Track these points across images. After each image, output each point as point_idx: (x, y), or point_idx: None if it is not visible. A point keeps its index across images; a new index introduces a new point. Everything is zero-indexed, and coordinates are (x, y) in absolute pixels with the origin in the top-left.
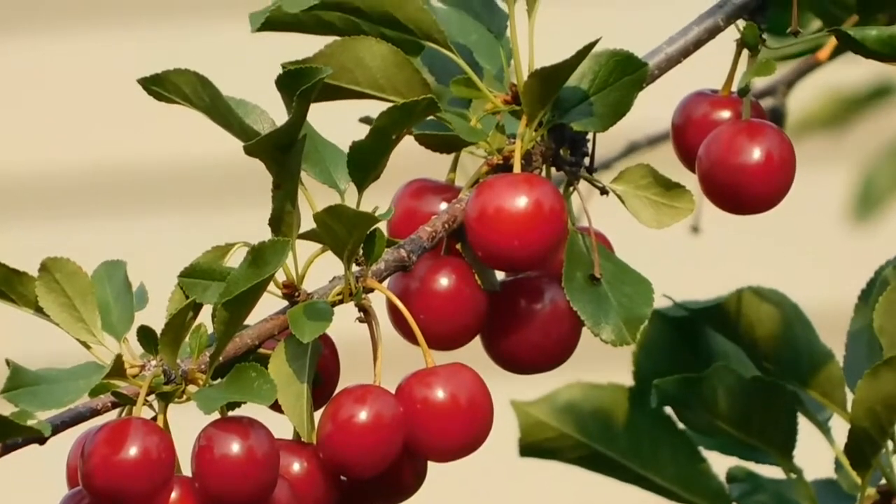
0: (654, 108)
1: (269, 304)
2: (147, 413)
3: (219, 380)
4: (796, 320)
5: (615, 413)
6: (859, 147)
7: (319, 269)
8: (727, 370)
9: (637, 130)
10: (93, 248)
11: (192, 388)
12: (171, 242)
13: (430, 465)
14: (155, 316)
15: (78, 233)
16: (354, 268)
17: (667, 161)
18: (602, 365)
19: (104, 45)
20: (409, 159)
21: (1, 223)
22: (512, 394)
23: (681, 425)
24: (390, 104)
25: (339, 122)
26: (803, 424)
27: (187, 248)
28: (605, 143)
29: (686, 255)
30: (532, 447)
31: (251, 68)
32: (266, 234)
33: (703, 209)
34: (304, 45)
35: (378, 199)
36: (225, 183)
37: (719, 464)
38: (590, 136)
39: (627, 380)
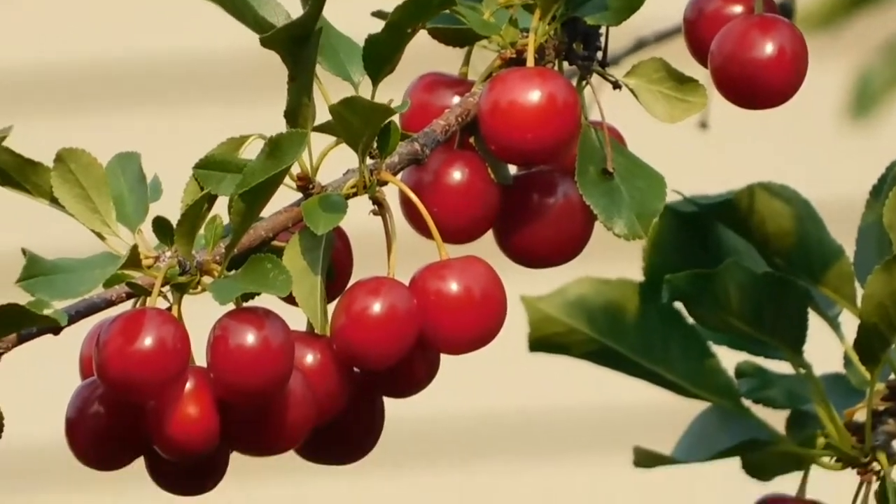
0: (664, 4)
1: (284, 197)
2: (162, 304)
3: (234, 271)
4: (807, 216)
5: (625, 308)
6: (858, 44)
7: (333, 161)
8: (738, 266)
9: (645, 27)
10: (107, 142)
11: (207, 280)
12: (184, 137)
13: (443, 357)
14: (169, 208)
15: (92, 127)
16: (368, 161)
17: (674, 58)
18: (611, 261)
19: None
20: (422, 53)
21: (16, 116)
22: (523, 290)
23: (690, 321)
24: None
25: (351, 17)
26: (813, 320)
27: (200, 143)
28: (613, 39)
29: (694, 152)
30: (541, 342)
31: None
32: (280, 129)
33: (711, 105)
34: None
35: (391, 93)
36: (238, 77)
37: (728, 359)
38: (602, 30)
39: (637, 276)
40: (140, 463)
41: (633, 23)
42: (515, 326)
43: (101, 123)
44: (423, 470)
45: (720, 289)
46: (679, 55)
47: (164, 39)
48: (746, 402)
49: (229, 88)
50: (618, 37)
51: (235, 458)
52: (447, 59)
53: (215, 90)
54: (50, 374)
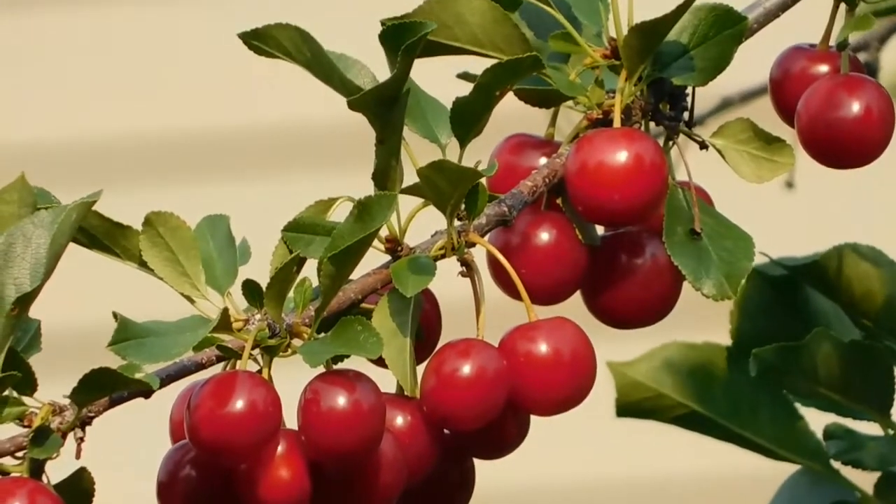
0: (747, 64)
1: (372, 259)
2: (252, 367)
3: (323, 333)
4: (895, 278)
5: (713, 373)
6: None
7: (421, 224)
8: (826, 335)
9: (730, 87)
10: (196, 211)
11: (296, 342)
12: (272, 204)
13: (533, 419)
14: (257, 272)
15: (180, 196)
16: (456, 222)
17: (760, 117)
18: (696, 324)
19: (204, 9)
20: (508, 115)
21: (106, 186)
22: (611, 351)
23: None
24: (492, 60)
25: (434, 79)
26: None
27: (289, 210)
28: (699, 99)
29: (781, 213)
30: (629, 407)
31: (337, 26)
32: (366, 193)
33: (798, 165)
34: (397, 4)
35: (476, 152)
36: (326, 144)
37: (817, 421)
38: (689, 90)
39: (724, 339)
40: None
41: (718, 82)
42: (604, 391)
43: (190, 192)
44: None
45: (807, 360)
46: (765, 115)
47: (251, 109)
48: (836, 464)
49: (317, 156)
50: (703, 97)
51: None
52: (534, 121)
53: (303, 158)
54: (141, 437)
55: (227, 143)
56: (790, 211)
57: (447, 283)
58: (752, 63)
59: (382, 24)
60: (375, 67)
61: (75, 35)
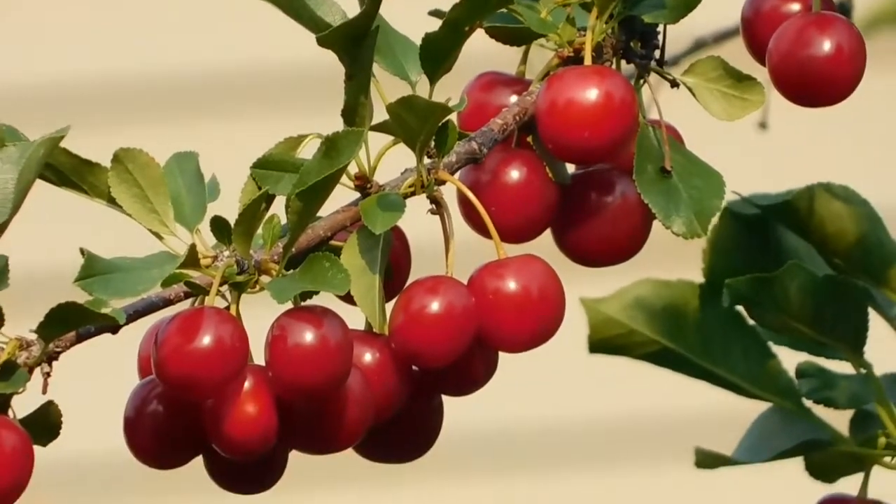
0: (721, 4)
1: (342, 197)
2: (220, 303)
3: (292, 270)
4: (867, 217)
5: (685, 310)
6: None
7: (392, 161)
8: (799, 268)
9: (704, 27)
10: (165, 152)
11: (265, 279)
12: (241, 145)
13: (501, 356)
14: (227, 210)
15: (148, 137)
16: (426, 160)
17: (734, 57)
18: (670, 263)
19: None
20: (479, 52)
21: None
22: (581, 291)
23: (751, 322)
24: None
25: (409, 16)
26: (874, 320)
27: (258, 149)
28: (672, 40)
29: (753, 153)
30: (601, 343)
31: None
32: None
33: (770, 105)
34: None
35: (449, 92)
36: (295, 85)
37: (789, 360)
38: (660, 28)
39: (697, 277)
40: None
41: (692, 22)
42: (574, 329)
43: (159, 133)
44: (476, 478)
45: (780, 292)
46: (738, 55)
47: (223, 49)
48: (807, 403)
49: (289, 96)
50: (677, 37)
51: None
52: (506, 60)
53: (275, 98)
54: (108, 374)
55: (198, 82)
56: (763, 150)
57: (417, 221)
58: (726, 3)
59: None
60: (347, 6)
61: None
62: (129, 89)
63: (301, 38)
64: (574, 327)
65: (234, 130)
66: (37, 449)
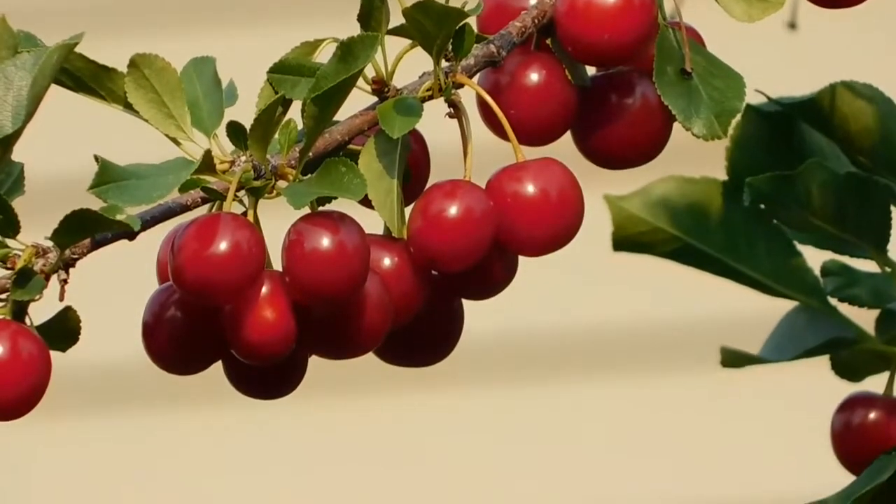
0: None
1: (359, 101)
2: (237, 209)
3: (308, 175)
4: (891, 115)
5: (710, 207)
6: None
7: (409, 65)
8: (820, 166)
9: None
10: (182, 60)
11: (281, 184)
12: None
13: (522, 260)
14: (244, 116)
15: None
16: (444, 63)
17: None
18: (690, 164)
19: None
20: None
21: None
22: (600, 194)
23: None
24: None
25: None
26: None
27: (274, 58)
28: None
29: (781, 53)
30: (625, 241)
31: None
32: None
33: (799, 4)
34: None
35: None
36: None
37: (813, 259)
38: None
39: (721, 176)
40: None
41: None
42: (593, 233)
43: (173, 44)
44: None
45: (802, 189)
46: None
47: None
48: (833, 301)
49: (304, 4)
50: None
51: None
52: None
53: (291, 6)
54: (127, 280)
55: None
56: (791, 52)
57: (435, 124)
58: None
59: None
60: None
61: None
62: None
63: None
64: (593, 230)
65: (251, 38)
66: (55, 355)
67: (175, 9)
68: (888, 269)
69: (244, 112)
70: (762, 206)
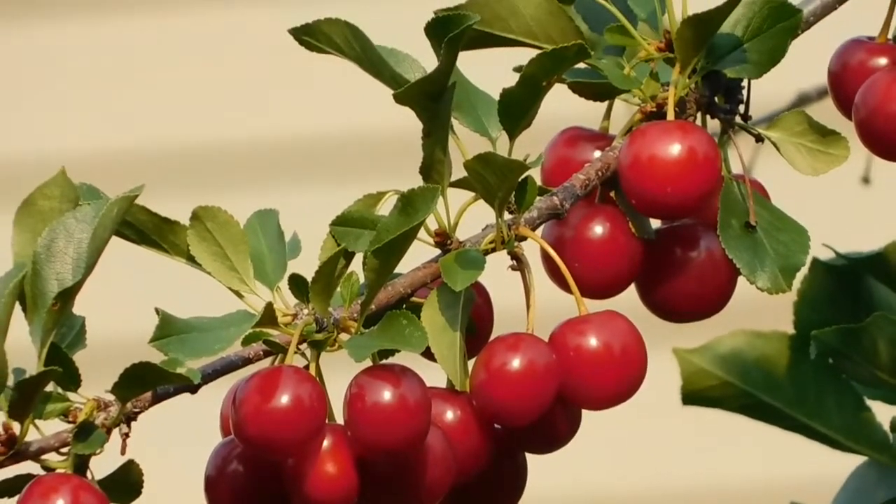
0: (824, 59)
1: (423, 253)
2: (299, 362)
3: (370, 328)
4: None
5: (779, 361)
6: None
7: (472, 218)
8: (887, 320)
9: (806, 81)
10: (245, 216)
11: (343, 337)
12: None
13: (585, 413)
14: (308, 270)
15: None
16: (506, 216)
17: (836, 113)
18: (752, 318)
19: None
20: (563, 108)
21: (157, 191)
22: (664, 348)
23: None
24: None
25: (493, 72)
26: None
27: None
28: (776, 95)
29: (851, 207)
30: (694, 395)
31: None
32: None
33: (873, 159)
34: None
35: (530, 146)
36: (378, 153)
37: (883, 414)
38: (745, 83)
39: (789, 330)
40: None
41: (796, 78)
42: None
43: (236, 200)
44: None
45: (868, 343)
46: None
47: (299, 116)
48: None
49: (368, 161)
50: (781, 93)
51: None
52: (590, 114)
53: (354, 164)
54: (191, 434)
55: (277, 149)
56: (861, 206)
57: (499, 278)
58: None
59: (434, 14)
60: (429, 63)
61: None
62: (208, 156)
63: (383, 100)
64: (659, 388)
65: (314, 195)
66: None
67: (236, 167)
68: None
69: (307, 264)
70: (830, 360)
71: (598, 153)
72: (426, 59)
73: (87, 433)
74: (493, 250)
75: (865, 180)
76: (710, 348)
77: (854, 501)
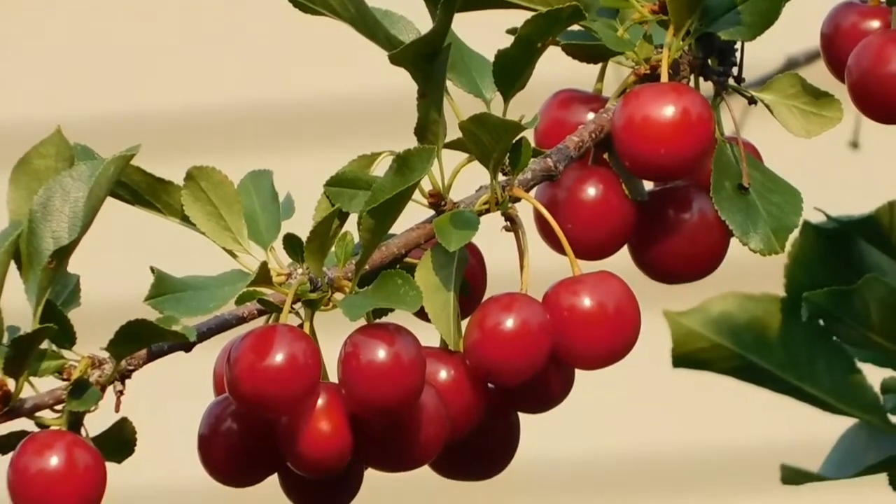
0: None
1: (417, 214)
2: (293, 321)
3: (365, 287)
4: None
5: (770, 324)
6: None
7: (466, 178)
8: (878, 282)
9: (796, 46)
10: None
11: (338, 296)
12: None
13: (577, 374)
14: (302, 230)
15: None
16: (501, 177)
17: (826, 76)
18: (746, 280)
19: None
20: (557, 71)
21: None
22: (656, 309)
23: (835, 337)
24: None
25: (487, 34)
26: None
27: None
28: (763, 59)
29: (840, 170)
30: (685, 357)
31: None
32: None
33: (861, 123)
34: None
35: (525, 109)
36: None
37: (873, 376)
38: (738, 45)
39: (779, 292)
40: None
41: (783, 41)
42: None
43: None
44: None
45: (860, 305)
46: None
47: (294, 80)
48: (893, 419)
49: (363, 123)
50: (768, 58)
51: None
52: (583, 75)
53: (348, 126)
54: (184, 392)
55: (273, 112)
56: (850, 169)
57: (493, 239)
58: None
59: None
60: (423, 27)
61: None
62: (201, 120)
63: (377, 63)
64: (651, 348)
65: (309, 158)
66: (112, 466)
67: (232, 131)
68: None
69: (301, 225)
70: (821, 322)
71: (591, 115)
72: (420, 23)
73: (81, 390)
74: (487, 211)
75: (854, 145)
76: (701, 310)
77: (844, 463)
